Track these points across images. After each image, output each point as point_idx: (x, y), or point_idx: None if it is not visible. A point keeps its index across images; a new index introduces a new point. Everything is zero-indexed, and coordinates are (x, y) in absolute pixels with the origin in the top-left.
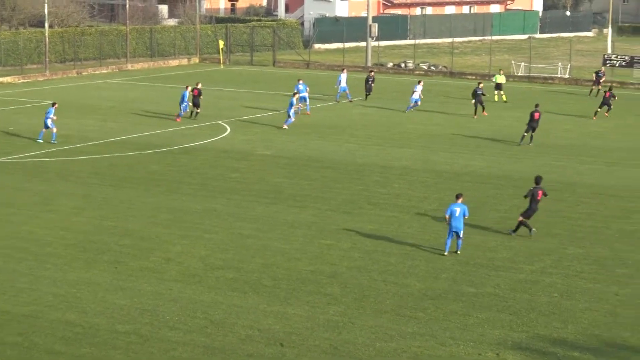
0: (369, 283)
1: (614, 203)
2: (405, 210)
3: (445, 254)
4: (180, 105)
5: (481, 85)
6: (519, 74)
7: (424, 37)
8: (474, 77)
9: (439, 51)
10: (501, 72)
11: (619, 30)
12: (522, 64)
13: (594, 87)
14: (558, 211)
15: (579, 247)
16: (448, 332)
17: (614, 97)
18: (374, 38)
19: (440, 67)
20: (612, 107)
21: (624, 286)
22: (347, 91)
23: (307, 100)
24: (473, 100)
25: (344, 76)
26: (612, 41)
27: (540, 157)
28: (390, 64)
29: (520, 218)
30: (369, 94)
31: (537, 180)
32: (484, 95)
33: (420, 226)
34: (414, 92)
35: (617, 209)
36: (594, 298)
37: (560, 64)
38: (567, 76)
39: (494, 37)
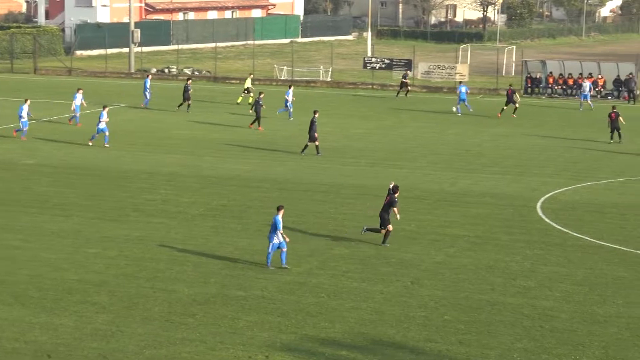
0: (137, 290)
1: (376, 203)
2: (172, 215)
3: (270, 267)
4: None
5: (262, 95)
6: (282, 78)
7: (187, 43)
8: (237, 82)
9: (202, 56)
10: (251, 75)
11: (378, 34)
12: (285, 67)
13: (401, 90)
14: (324, 212)
15: (345, 247)
16: (218, 336)
17: (515, 93)
18: (137, 44)
19: (204, 72)
20: (517, 105)
21: (388, 284)
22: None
23: (78, 110)
24: (252, 110)
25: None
26: (372, 44)
27: (305, 160)
28: (153, 70)
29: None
30: (185, 102)
31: (394, 189)
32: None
33: (187, 231)
34: (286, 99)
35: (380, 208)
36: (360, 297)
37: (322, 67)
38: (329, 79)
39: (257, 42)
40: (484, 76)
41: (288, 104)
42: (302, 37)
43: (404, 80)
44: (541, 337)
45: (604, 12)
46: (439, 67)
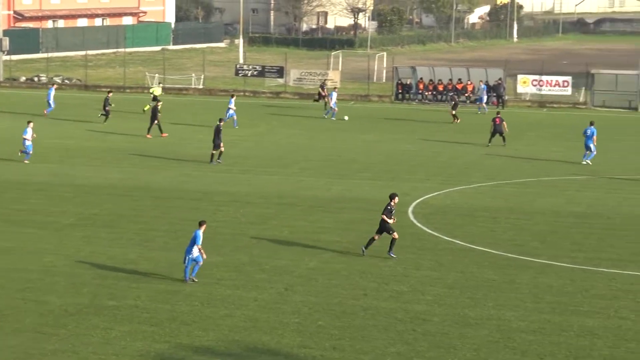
0: (8, 302)
1: (250, 210)
2: (43, 226)
3: (188, 281)
4: None
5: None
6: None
7: (57, 50)
8: (108, 90)
9: (72, 64)
10: (160, 84)
11: (250, 41)
12: (157, 75)
13: (319, 98)
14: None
15: (218, 255)
16: (90, 347)
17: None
18: (5, 52)
19: (74, 80)
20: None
21: (262, 291)
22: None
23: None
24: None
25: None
26: (244, 51)
27: (179, 167)
28: (23, 78)
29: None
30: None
31: (391, 196)
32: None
33: (58, 241)
34: (229, 108)
35: (253, 215)
36: (234, 304)
37: (194, 74)
38: (201, 87)
39: (128, 50)
40: (356, 82)
41: (230, 112)
42: (173, 44)
43: (321, 90)
44: (414, 340)
45: (473, 18)
46: (310, 74)
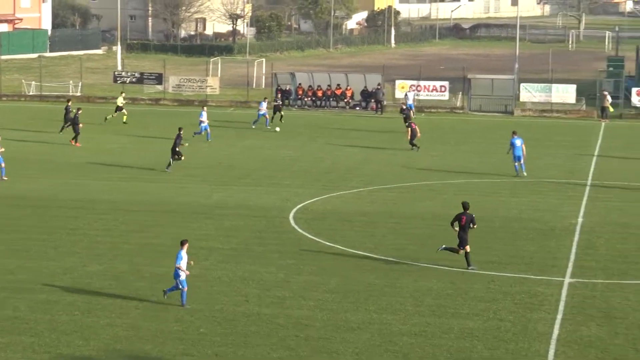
0: None
1: (130, 218)
2: None
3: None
4: None
5: (80, 111)
6: (31, 94)
7: None
8: None
9: None
10: (122, 94)
11: (129, 47)
12: (33, 83)
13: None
14: (77, 229)
15: (98, 264)
16: None
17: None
18: None
19: None
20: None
21: (143, 299)
22: None
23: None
24: (68, 125)
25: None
26: (122, 58)
27: (58, 176)
28: None
29: (460, 250)
30: (67, 124)
31: (464, 205)
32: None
33: None
34: (201, 121)
35: (134, 223)
36: (115, 313)
37: (71, 82)
38: (79, 94)
39: (4, 57)
40: (235, 89)
41: (202, 125)
42: (50, 51)
43: (276, 104)
44: (296, 346)
45: (351, 24)
46: (189, 81)
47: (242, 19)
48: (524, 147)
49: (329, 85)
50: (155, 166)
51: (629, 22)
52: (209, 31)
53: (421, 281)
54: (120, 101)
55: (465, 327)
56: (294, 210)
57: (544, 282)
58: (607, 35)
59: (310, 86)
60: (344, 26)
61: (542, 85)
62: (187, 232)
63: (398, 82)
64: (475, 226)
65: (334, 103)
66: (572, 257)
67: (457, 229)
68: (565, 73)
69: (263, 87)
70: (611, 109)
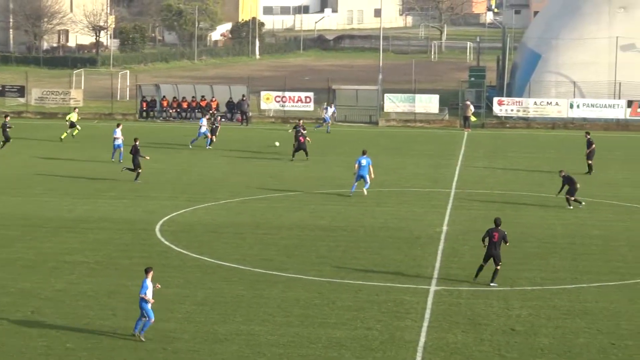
0: None
1: None
2: None
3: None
4: None
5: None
6: None
7: None
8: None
9: None
10: (76, 110)
11: None
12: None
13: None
14: None
15: None
16: None
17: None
18: None
19: None
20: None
21: (8, 315)
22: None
23: None
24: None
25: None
26: None
27: None
28: None
29: (496, 265)
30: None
31: (497, 221)
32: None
33: None
34: (115, 138)
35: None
36: None
37: None
38: None
39: None
40: (99, 101)
41: (116, 143)
42: None
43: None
44: (164, 359)
45: (215, 36)
46: (53, 93)
47: (105, 30)
48: (371, 168)
49: (194, 97)
50: (17, 181)
51: (490, 33)
52: (72, 43)
53: (289, 291)
54: (74, 117)
55: (333, 336)
56: (160, 222)
57: (411, 291)
58: (468, 45)
59: (175, 98)
60: (208, 38)
61: (406, 95)
62: (50, 246)
63: (263, 93)
64: (507, 243)
65: (199, 115)
66: (438, 265)
67: (486, 244)
68: (428, 83)
69: (127, 99)
70: (474, 119)
